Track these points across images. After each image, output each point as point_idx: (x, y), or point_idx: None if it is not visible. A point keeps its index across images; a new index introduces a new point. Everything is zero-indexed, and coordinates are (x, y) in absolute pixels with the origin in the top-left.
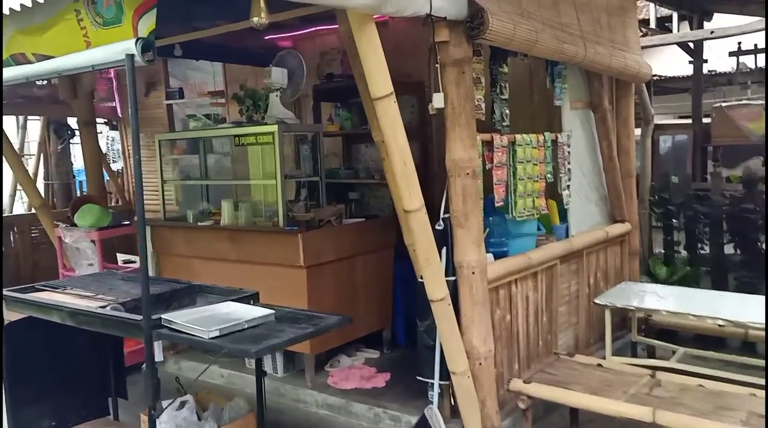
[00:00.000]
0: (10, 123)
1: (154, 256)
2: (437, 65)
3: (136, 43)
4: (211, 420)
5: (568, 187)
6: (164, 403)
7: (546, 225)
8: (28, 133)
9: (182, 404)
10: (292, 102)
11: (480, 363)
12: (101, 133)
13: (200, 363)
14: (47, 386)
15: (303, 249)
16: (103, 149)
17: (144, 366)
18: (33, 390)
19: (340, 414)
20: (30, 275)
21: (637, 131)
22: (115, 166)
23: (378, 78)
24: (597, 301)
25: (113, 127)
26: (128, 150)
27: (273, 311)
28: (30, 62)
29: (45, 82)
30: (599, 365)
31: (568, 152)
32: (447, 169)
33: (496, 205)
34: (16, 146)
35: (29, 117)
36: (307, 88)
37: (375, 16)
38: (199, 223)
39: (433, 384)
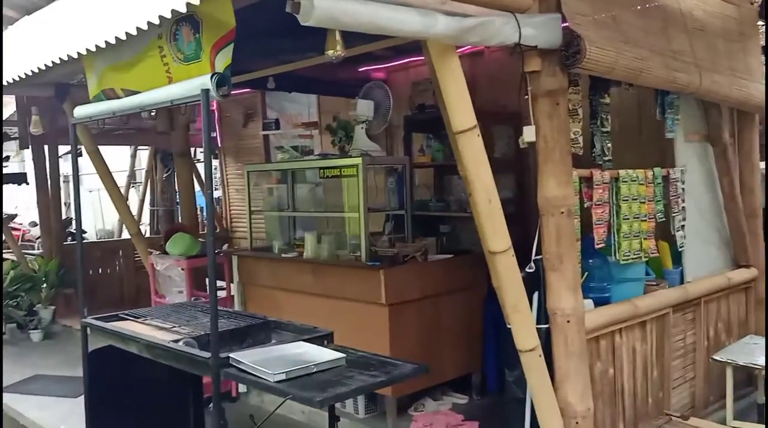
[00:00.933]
0: (122, 152)
1: (239, 286)
2: (526, 97)
3: (211, 78)
4: None
5: (683, 227)
6: None
7: (656, 270)
8: (138, 161)
9: None
10: (382, 133)
11: (577, 423)
12: (202, 161)
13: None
14: (127, 415)
15: (385, 286)
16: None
17: (212, 405)
18: (113, 418)
19: None
20: (133, 298)
21: (763, 165)
22: (215, 195)
23: (460, 111)
24: (716, 358)
25: (214, 157)
26: (227, 179)
27: (344, 355)
28: (118, 97)
29: (153, 113)
30: None
31: (683, 189)
32: (539, 207)
33: (596, 246)
34: (126, 174)
35: (139, 147)
36: (398, 119)
37: (460, 47)
38: (283, 255)
39: None
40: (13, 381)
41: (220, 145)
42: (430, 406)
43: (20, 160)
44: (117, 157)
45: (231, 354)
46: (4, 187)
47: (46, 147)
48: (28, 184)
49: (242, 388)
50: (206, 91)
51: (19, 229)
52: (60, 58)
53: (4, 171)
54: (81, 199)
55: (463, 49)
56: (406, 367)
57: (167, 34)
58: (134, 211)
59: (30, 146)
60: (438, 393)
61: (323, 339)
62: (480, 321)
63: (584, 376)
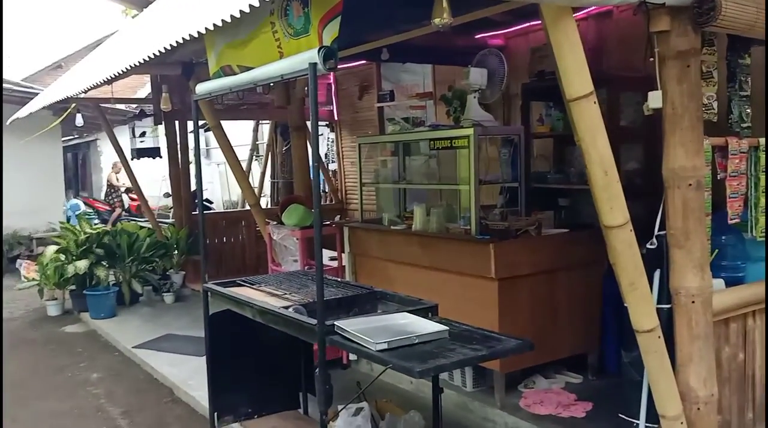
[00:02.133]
0: (246, 127)
1: (350, 257)
2: (652, 59)
3: (318, 52)
4: None
5: None
6: (341, 407)
7: None
8: (260, 135)
9: (358, 410)
10: (499, 103)
11: (698, 409)
12: (322, 134)
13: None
14: (245, 375)
15: (495, 260)
16: (323, 151)
17: (317, 370)
18: (232, 377)
19: None
20: (254, 265)
21: None
22: (332, 167)
23: (575, 76)
24: None
25: (331, 129)
26: (342, 151)
27: (447, 328)
28: (235, 73)
29: (268, 87)
30: None
31: None
32: (664, 178)
33: (730, 221)
34: (249, 148)
35: (261, 121)
36: (516, 87)
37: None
38: (392, 227)
39: (638, 425)
40: (148, 339)
41: (336, 118)
42: (542, 384)
43: (154, 136)
44: (241, 131)
45: (336, 322)
46: (142, 160)
47: (177, 123)
48: (161, 157)
49: (353, 356)
50: (314, 65)
51: (136, 200)
52: (183, 38)
53: (140, 146)
54: (204, 171)
55: (589, 10)
56: (510, 342)
57: (279, 10)
58: (256, 183)
59: (163, 122)
60: (551, 371)
61: (428, 311)
62: (599, 298)
63: (709, 360)
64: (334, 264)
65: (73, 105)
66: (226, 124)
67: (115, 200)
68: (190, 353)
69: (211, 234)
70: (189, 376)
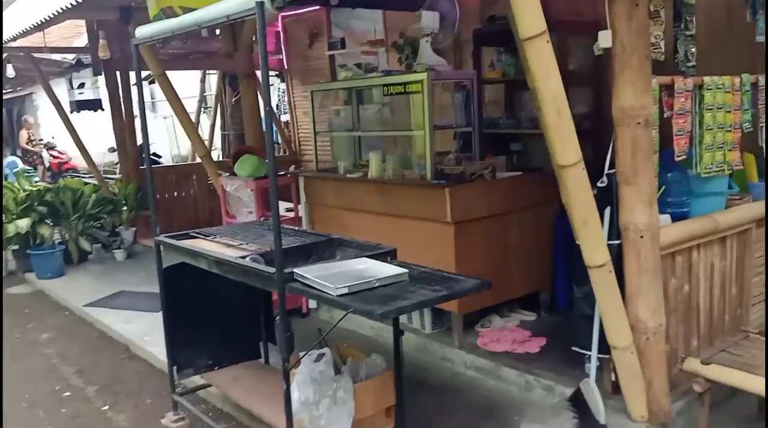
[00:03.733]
0: (193, 77)
1: (306, 207)
2: None
3: None
4: (347, 375)
5: None
6: (303, 354)
7: (741, 184)
8: (208, 86)
9: (320, 356)
10: (450, 49)
11: (647, 339)
12: (272, 85)
13: (352, 314)
14: (203, 328)
15: (450, 204)
16: (275, 102)
17: (277, 319)
18: (190, 331)
19: (489, 378)
20: (207, 219)
21: None
22: (284, 118)
23: (528, 14)
24: None
25: (281, 79)
26: (294, 101)
27: (406, 270)
28: (177, 15)
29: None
30: None
31: None
32: (614, 118)
33: (677, 158)
34: (196, 100)
35: (209, 71)
36: (467, 33)
37: None
38: (348, 175)
39: (590, 356)
40: (100, 297)
41: (286, 67)
42: (497, 323)
43: (95, 87)
44: (187, 82)
45: (296, 270)
46: (82, 112)
47: (118, 73)
48: (103, 109)
49: (312, 304)
50: (261, 4)
51: (59, 158)
52: None
53: (80, 98)
54: (150, 125)
55: None
56: (469, 282)
57: None
58: (205, 135)
59: (103, 72)
60: (505, 310)
61: (386, 255)
62: (550, 239)
63: (657, 292)
64: (291, 214)
65: (5, 54)
66: (172, 76)
67: (34, 158)
68: (144, 309)
69: (161, 189)
70: (145, 332)
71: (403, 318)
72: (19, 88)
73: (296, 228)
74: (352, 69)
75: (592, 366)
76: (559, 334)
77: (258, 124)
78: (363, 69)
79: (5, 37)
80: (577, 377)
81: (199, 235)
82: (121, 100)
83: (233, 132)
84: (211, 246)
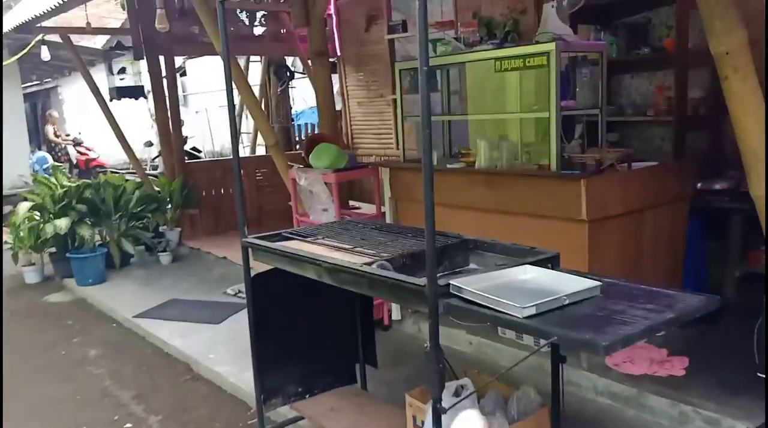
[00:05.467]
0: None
1: (391, 204)
2: None
3: None
4: (500, 415)
5: None
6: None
7: None
8: (250, 75)
9: (459, 389)
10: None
11: None
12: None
13: (445, 327)
14: (293, 348)
15: (586, 199)
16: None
17: (428, 346)
18: (279, 351)
19: (629, 407)
20: (256, 218)
21: None
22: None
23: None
24: None
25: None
26: (347, 90)
27: (599, 283)
28: None
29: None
30: None
31: None
32: None
33: None
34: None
35: (251, 59)
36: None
37: None
38: (447, 166)
39: None
40: (149, 306)
41: (338, 54)
42: None
43: (136, 72)
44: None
45: (452, 281)
46: (123, 100)
47: (161, 58)
48: (146, 98)
49: (395, 315)
50: None
51: (86, 154)
52: None
53: (120, 84)
54: (184, 119)
55: None
56: (691, 299)
57: None
58: (249, 128)
59: (145, 57)
60: None
61: (548, 261)
62: (683, 239)
63: None
64: (371, 210)
65: (40, 36)
66: (201, 67)
67: (60, 155)
68: (201, 320)
69: (206, 186)
70: (208, 349)
71: (507, 331)
72: (46, 80)
73: (410, 226)
74: (452, 42)
75: None
76: (702, 352)
77: (332, 108)
78: (463, 42)
79: (35, 13)
80: (744, 407)
81: (294, 236)
82: (165, 88)
83: (278, 124)
84: (320, 250)
